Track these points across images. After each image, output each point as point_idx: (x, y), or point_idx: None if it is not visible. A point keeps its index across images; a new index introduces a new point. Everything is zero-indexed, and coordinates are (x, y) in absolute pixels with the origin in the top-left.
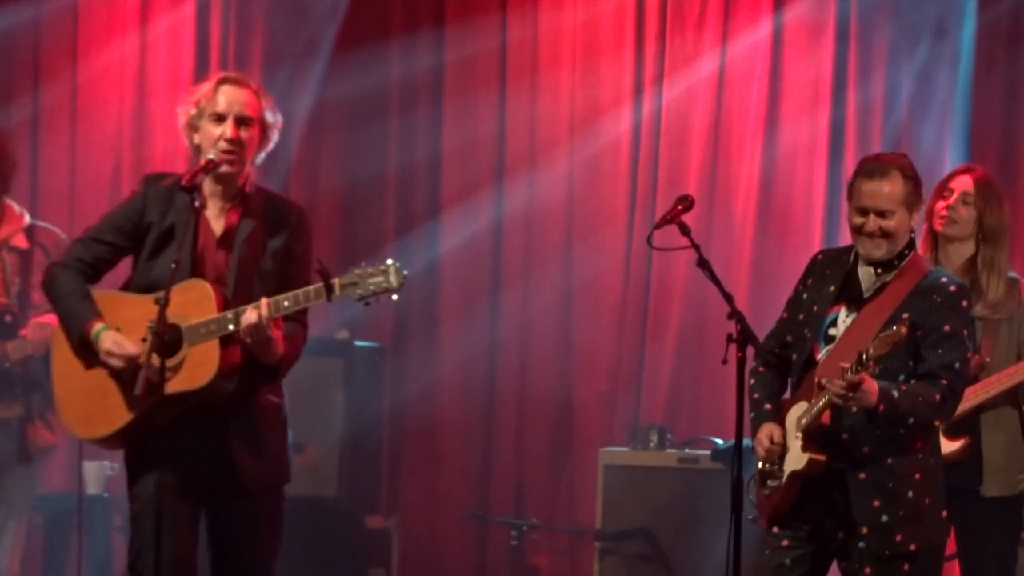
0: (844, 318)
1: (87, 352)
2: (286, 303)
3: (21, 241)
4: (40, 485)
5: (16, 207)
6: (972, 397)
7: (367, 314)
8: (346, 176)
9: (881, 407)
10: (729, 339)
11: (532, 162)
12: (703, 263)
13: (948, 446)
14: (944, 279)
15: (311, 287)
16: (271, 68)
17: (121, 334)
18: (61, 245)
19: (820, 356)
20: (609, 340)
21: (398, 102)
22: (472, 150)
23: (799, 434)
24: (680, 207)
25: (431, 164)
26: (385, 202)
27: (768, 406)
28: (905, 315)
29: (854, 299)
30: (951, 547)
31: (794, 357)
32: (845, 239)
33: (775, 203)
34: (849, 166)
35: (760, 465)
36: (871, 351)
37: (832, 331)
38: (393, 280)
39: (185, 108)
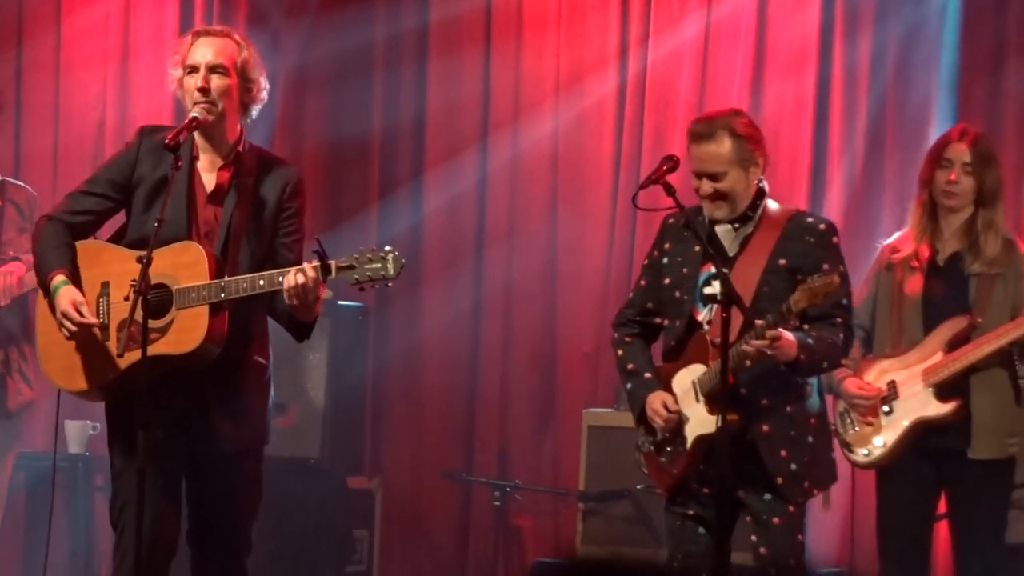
0: None
1: None
2: (280, 279)
3: None
4: (21, 443)
5: None
6: (963, 357)
7: None
8: (331, 135)
9: (802, 357)
10: (714, 300)
11: (517, 122)
12: (689, 224)
13: (940, 408)
14: (810, 219)
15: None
16: (256, 26)
17: (86, 295)
18: (33, 201)
19: (702, 317)
20: (593, 301)
21: (383, 61)
22: (456, 110)
23: (702, 397)
24: (665, 167)
25: (416, 124)
26: (369, 161)
27: (648, 375)
28: (782, 261)
29: (721, 256)
30: (941, 507)
31: (664, 322)
32: (832, 199)
33: None
34: (835, 127)
35: (655, 435)
36: (793, 304)
37: (708, 290)
38: (391, 268)
39: (174, 70)
